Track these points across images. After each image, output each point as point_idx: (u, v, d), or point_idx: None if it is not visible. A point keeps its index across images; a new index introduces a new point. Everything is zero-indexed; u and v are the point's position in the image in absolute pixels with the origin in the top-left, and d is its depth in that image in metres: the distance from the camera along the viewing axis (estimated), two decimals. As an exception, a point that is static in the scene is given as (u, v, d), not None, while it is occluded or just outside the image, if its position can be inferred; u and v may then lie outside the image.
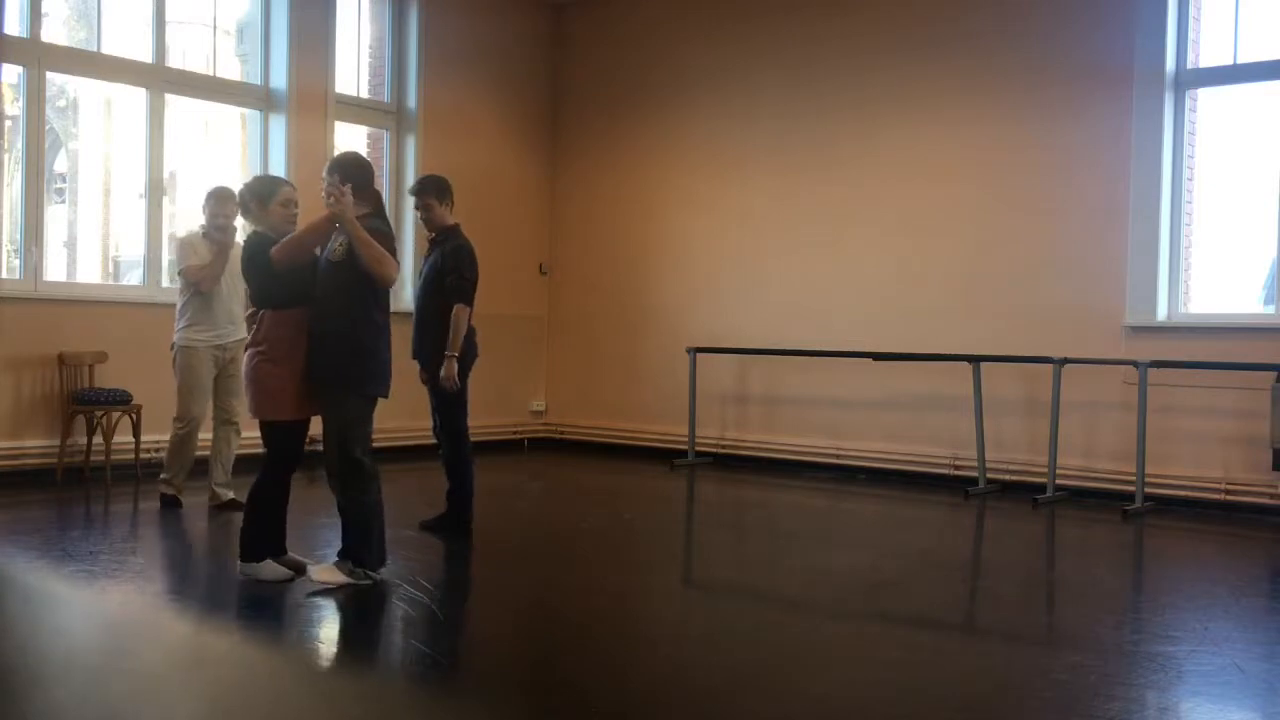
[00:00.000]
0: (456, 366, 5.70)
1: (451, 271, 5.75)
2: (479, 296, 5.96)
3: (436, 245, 5.91)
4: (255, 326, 4.64)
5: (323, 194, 4.55)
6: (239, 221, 6.01)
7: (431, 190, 5.88)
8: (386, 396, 4.76)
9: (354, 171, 4.69)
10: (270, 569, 4.62)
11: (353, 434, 4.61)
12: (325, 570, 4.63)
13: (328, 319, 4.56)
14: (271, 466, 4.66)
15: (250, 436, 6.18)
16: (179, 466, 6.43)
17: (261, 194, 4.77)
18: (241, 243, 5.06)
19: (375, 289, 4.63)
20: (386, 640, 4.23)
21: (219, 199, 6.34)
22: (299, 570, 4.67)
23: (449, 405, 5.84)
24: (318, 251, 4.67)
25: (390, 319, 4.83)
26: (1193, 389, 7.17)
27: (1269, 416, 6.74)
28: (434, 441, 6.04)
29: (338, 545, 4.72)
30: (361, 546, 4.63)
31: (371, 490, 4.66)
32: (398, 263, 4.67)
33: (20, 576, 0.89)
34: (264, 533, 4.65)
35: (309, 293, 4.58)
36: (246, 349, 4.69)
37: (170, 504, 6.40)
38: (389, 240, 4.68)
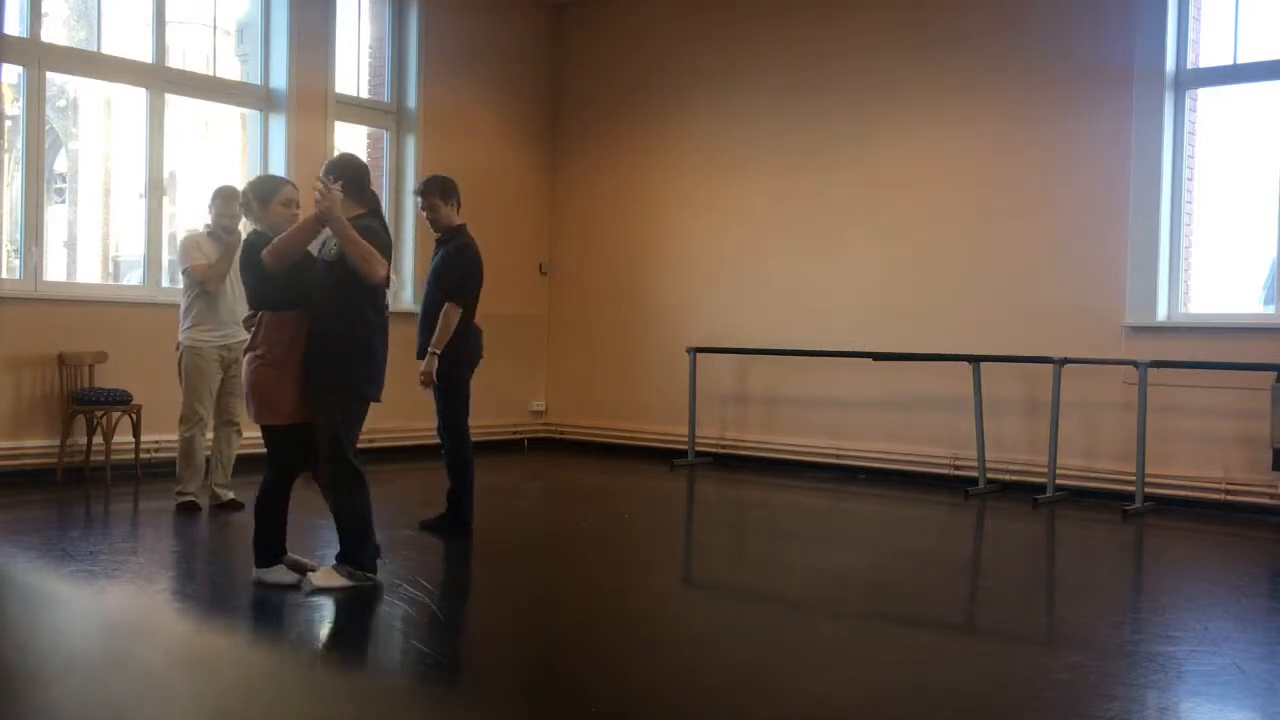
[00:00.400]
0: (437, 363, 5.68)
1: (451, 271, 5.75)
2: (481, 297, 5.95)
3: (441, 245, 5.91)
4: (254, 329, 4.62)
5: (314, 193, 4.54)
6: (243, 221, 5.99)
7: (436, 190, 5.88)
8: (379, 400, 4.72)
9: (347, 172, 4.66)
10: (283, 573, 4.62)
11: (347, 436, 4.58)
12: (325, 574, 4.61)
13: (324, 319, 4.53)
14: (272, 470, 4.66)
15: (251, 437, 6.18)
16: (191, 472, 6.37)
17: (263, 193, 4.77)
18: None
19: (372, 290, 4.60)
20: (386, 640, 4.23)
21: (225, 198, 6.34)
22: (301, 571, 4.67)
23: (450, 405, 5.84)
24: (315, 252, 4.65)
25: (388, 320, 4.79)
26: (1193, 389, 7.17)
27: (1269, 416, 6.74)
28: (436, 441, 6.04)
29: (335, 548, 4.71)
30: (359, 549, 4.62)
31: (364, 492, 4.65)
32: (387, 262, 4.62)
33: (20, 576, 0.89)
34: (270, 536, 4.65)
35: (307, 294, 4.56)
36: (245, 352, 4.67)
37: (189, 511, 6.33)
38: (382, 241, 4.63)
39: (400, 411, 7.54)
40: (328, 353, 4.52)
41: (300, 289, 4.55)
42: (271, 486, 4.65)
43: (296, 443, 4.60)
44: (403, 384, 6.20)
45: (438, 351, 5.67)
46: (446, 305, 5.69)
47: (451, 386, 5.81)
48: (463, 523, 5.87)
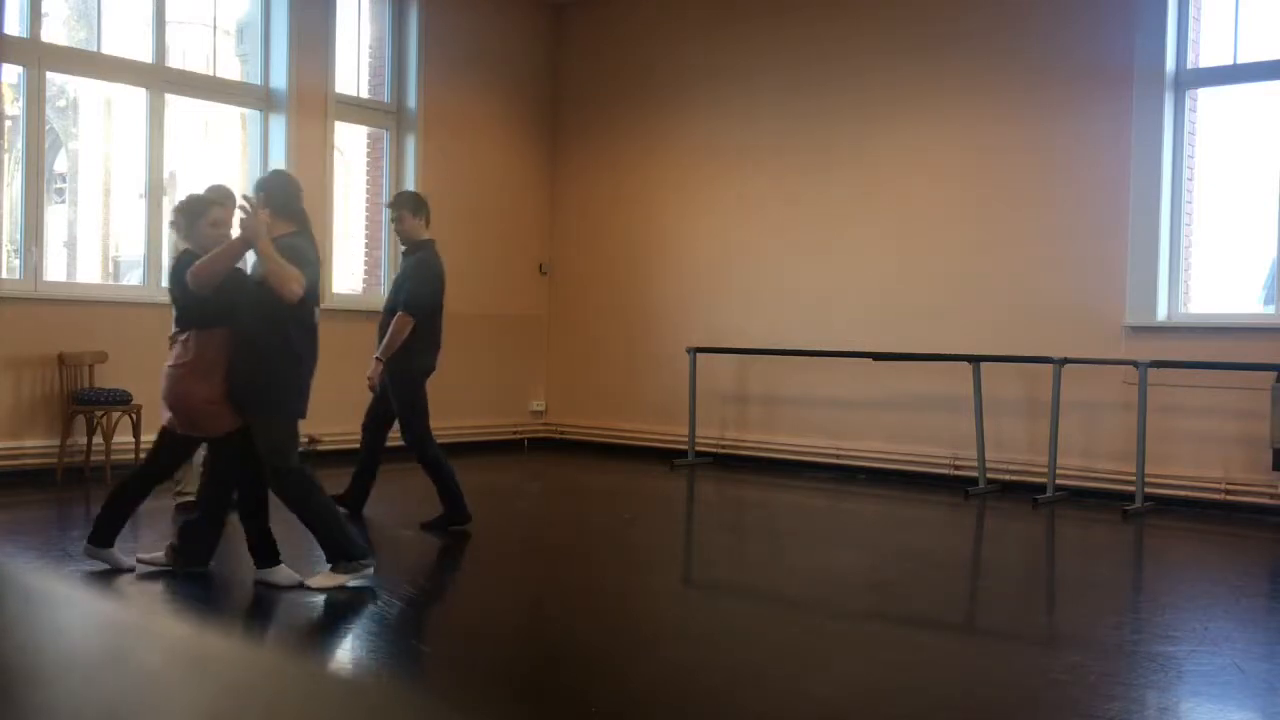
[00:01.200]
0: (380, 368, 5.83)
1: (408, 282, 5.90)
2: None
3: (405, 257, 6.12)
4: (181, 345, 4.63)
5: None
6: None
7: (407, 204, 6.11)
8: (304, 416, 4.76)
9: (275, 191, 4.74)
10: (285, 573, 4.63)
11: (287, 451, 4.64)
12: (322, 578, 4.62)
13: (253, 337, 4.57)
14: (248, 474, 4.71)
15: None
16: (190, 472, 6.38)
17: (190, 212, 4.80)
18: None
19: (300, 308, 4.58)
20: (385, 639, 4.23)
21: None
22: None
23: (411, 415, 5.94)
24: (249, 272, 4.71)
25: (316, 337, 4.78)
26: (1193, 389, 7.17)
27: (1269, 416, 6.74)
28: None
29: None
30: (342, 542, 4.63)
31: (317, 491, 4.67)
32: (306, 280, 4.53)
33: (20, 576, 0.89)
34: (266, 537, 4.67)
35: (231, 311, 4.58)
36: (168, 366, 4.69)
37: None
38: (305, 259, 4.60)
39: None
40: (255, 373, 4.57)
41: (223, 307, 4.57)
42: (249, 488, 4.72)
43: (247, 444, 4.66)
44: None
45: (381, 358, 5.83)
46: (398, 314, 5.87)
47: (413, 397, 5.92)
48: (460, 523, 5.89)
